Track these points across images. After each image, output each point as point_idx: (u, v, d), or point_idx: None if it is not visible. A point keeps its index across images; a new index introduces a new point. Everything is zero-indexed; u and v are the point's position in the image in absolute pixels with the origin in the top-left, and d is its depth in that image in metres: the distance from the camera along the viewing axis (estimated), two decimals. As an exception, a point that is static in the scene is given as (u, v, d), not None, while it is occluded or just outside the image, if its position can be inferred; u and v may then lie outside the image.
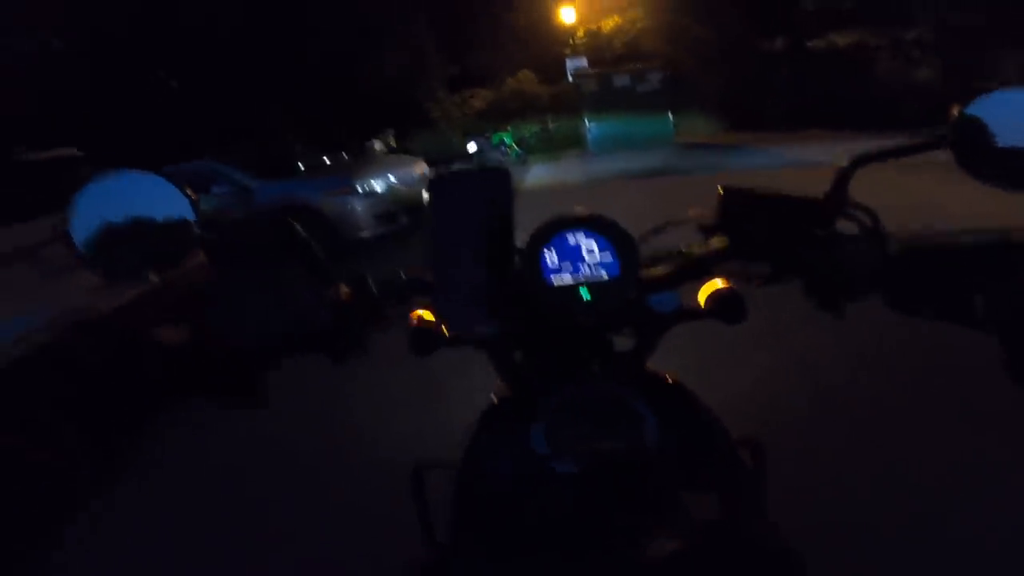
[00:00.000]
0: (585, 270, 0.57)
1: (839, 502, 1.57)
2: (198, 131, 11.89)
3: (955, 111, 0.51)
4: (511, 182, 0.54)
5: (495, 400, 0.66)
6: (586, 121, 11.89)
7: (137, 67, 13.27)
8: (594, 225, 0.57)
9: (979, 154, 0.52)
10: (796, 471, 1.25)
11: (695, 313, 0.61)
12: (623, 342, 0.65)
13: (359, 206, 5.56)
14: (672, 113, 11.79)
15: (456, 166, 12.05)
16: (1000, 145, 0.51)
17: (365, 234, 5.54)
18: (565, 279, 0.57)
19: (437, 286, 0.54)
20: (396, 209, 5.72)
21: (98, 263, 0.55)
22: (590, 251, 0.57)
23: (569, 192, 7.55)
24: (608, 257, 0.57)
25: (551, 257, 0.57)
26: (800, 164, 7.58)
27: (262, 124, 12.63)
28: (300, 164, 6.56)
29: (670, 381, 0.63)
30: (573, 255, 0.57)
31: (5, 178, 3.37)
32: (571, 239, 0.57)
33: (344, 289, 0.59)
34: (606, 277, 0.57)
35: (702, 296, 0.60)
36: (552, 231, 0.58)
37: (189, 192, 0.56)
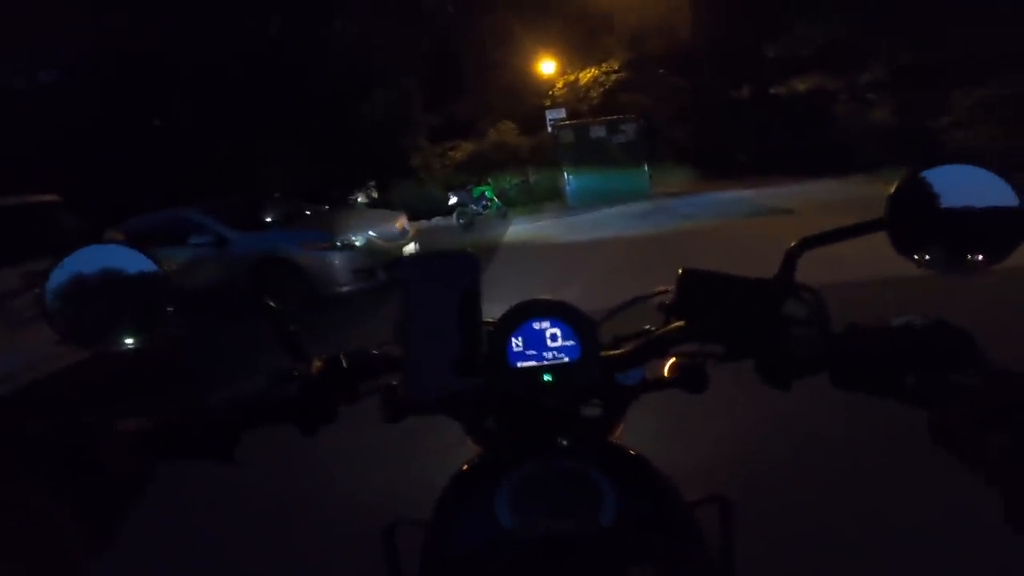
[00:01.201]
0: (548, 354, 0.61)
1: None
2: (178, 177, 11.96)
3: (891, 190, 0.54)
4: (478, 266, 0.58)
5: (464, 467, 0.68)
6: (565, 174, 12.07)
7: (125, 107, 13.43)
8: (557, 312, 0.61)
9: (916, 236, 0.54)
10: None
11: (660, 383, 0.65)
12: (588, 413, 0.68)
13: (337, 260, 5.55)
14: (648, 164, 12.07)
15: (436, 220, 12.17)
16: (937, 225, 0.53)
17: (343, 289, 5.53)
18: (529, 363, 0.61)
19: (407, 362, 0.56)
20: (375, 265, 5.71)
21: (70, 334, 0.56)
22: (553, 336, 0.61)
23: (548, 250, 7.66)
24: (570, 341, 0.61)
25: (516, 343, 0.61)
26: (764, 212, 7.93)
27: (245, 171, 12.77)
28: (279, 215, 6.56)
29: (632, 454, 0.66)
30: (537, 341, 0.61)
31: None
32: (536, 326, 0.61)
33: (316, 363, 0.61)
34: (567, 360, 0.61)
35: (666, 367, 0.65)
36: (518, 319, 0.61)
37: (163, 265, 0.58)
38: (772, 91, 12.91)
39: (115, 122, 13.20)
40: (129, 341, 0.58)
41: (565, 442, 0.64)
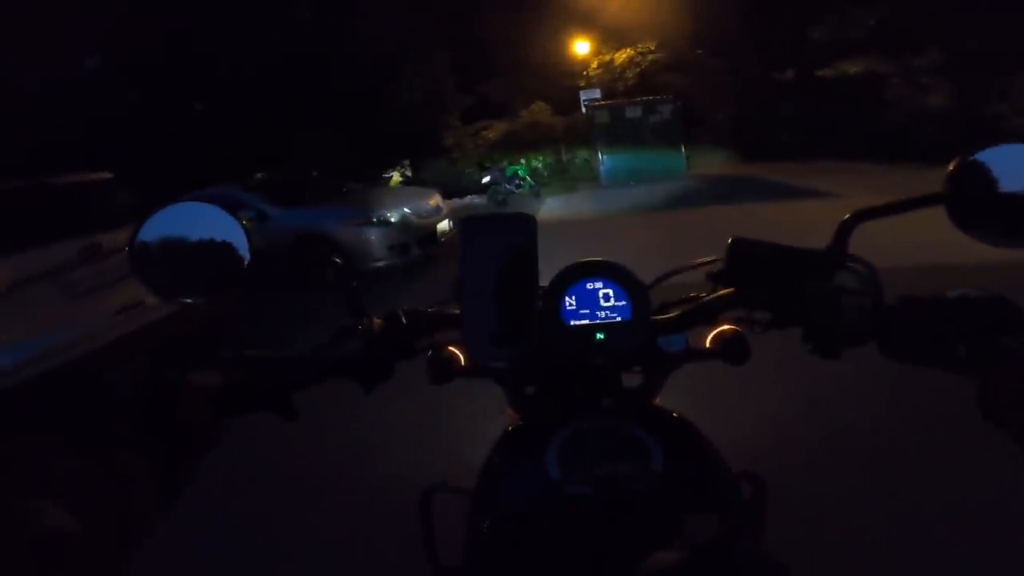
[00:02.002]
0: (601, 314, 0.62)
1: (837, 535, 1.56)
2: (222, 156, 12.29)
3: (952, 166, 0.53)
4: (536, 226, 0.59)
5: (510, 428, 0.70)
6: (599, 154, 11.92)
7: (167, 92, 13.84)
8: (610, 273, 0.63)
9: (974, 212, 0.53)
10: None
11: (701, 353, 0.66)
12: (631, 379, 0.69)
13: (373, 236, 5.63)
14: (684, 145, 11.83)
15: (469, 199, 12.23)
16: (995, 202, 0.52)
17: (378, 264, 5.61)
18: (582, 322, 0.62)
19: (465, 319, 0.57)
20: (409, 240, 5.80)
21: (156, 285, 0.59)
22: (605, 296, 0.62)
23: (582, 226, 7.57)
24: (623, 303, 0.62)
25: (570, 301, 0.63)
26: (808, 196, 7.59)
27: (283, 152, 13.05)
28: (317, 193, 6.67)
29: (675, 416, 0.67)
30: (590, 300, 0.62)
31: (37, 201, 3.47)
32: (589, 286, 0.63)
33: (376, 321, 0.64)
34: (619, 320, 0.62)
35: (708, 338, 0.65)
36: (572, 278, 0.63)
37: (244, 223, 0.60)
38: (819, 73, 12.37)
39: (159, 106, 13.64)
40: (210, 295, 0.61)
41: (608, 403, 0.66)
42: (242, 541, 1.97)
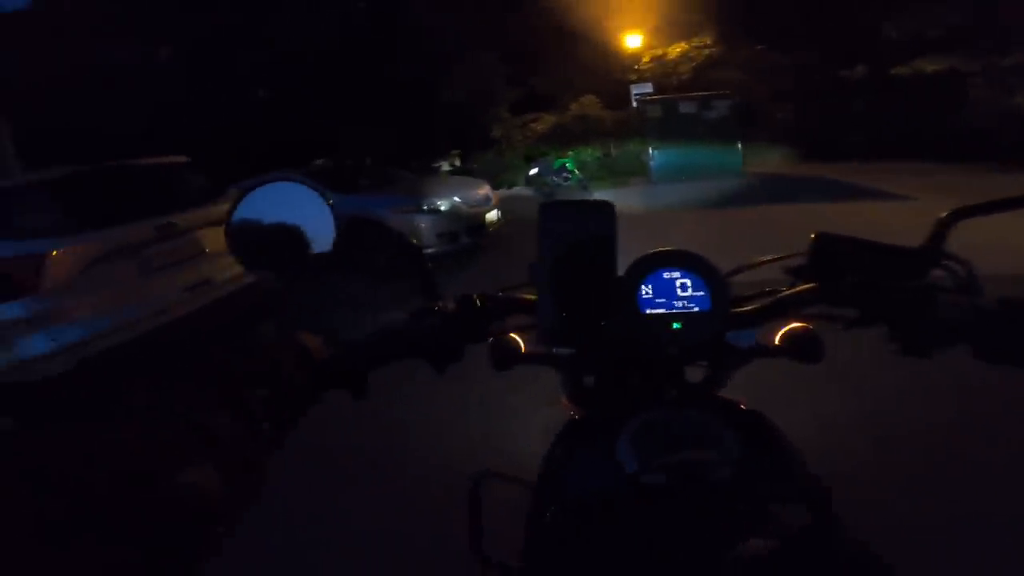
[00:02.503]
0: (678, 303, 0.61)
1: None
2: (282, 143, 12.79)
3: None
4: (615, 214, 0.58)
5: (576, 417, 0.69)
6: (649, 149, 11.65)
7: (232, 81, 14.48)
8: (689, 263, 0.61)
9: None
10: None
11: (771, 350, 0.63)
12: (695, 373, 0.67)
13: (423, 224, 5.77)
14: (741, 142, 11.41)
15: (517, 190, 12.25)
16: None
17: (427, 251, 5.71)
18: (659, 311, 0.61)
19: (541, 306, 0.58)
20: (458, 229, 5.91)
21: (247, 258, 0.63)
22: (683, 286, 0.61)
23: (629, 221, 7.46)
24: (700, 292, 0.61)
25: (647, 290, 0.61)
26: (875, 197, 7.17)
27: (339, 140, 13.44)
28: (370, 180, 6.90)
29: (744, 408, 0.65)
30: (667, 290, 0.61)
31: (119, 182, 3.67)
32: (667, 275, 0.61)
33: (451, 304, 0.65)
34: (697, 310, 0.61)
35: (778, 335, 0.62)
36: (650, 266, 0.62)
37: (329, 201, 0.64)
38: (892, 72, 11.67)
39: (225, 94, 14.29)
40: (297, 268, 0.64)
41: (672, 395, 0.64)
42: (283, 525, 1.98)
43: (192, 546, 0.37)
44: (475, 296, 0.66)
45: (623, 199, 9.68)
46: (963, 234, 0.57)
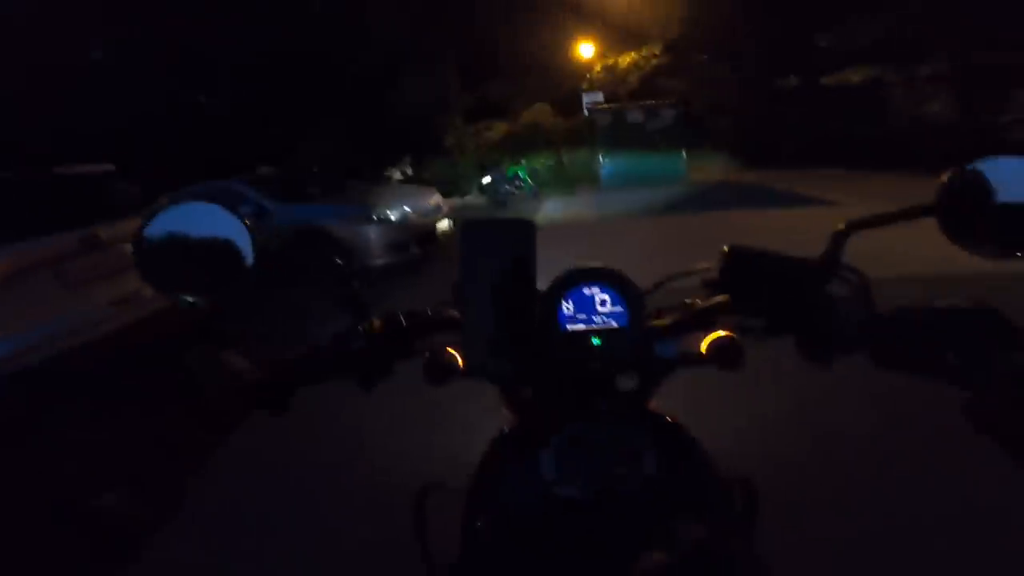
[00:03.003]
0: (597, 319, 0.63)
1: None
2: (224, 150, 12.29)
3: (944, 179, 0.54)
4: (535, 232, 0.60)
5: (506, 430, 0.70)
6: (600, 157, 11.99)
7: (168, 86, 13.82)
8: (608, 279, 0.63)
9: (965, 223, 0.54)
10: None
11: (695, 359, 0.65)
12: (626, 382, 0.69)
13: (373, 234, 5.63)
14: (685, 150, 11.87)
15: (469, 198, 12.20)
16: (986, 214, 0.53)
17: (377, 262, 5.60)
18: (578, 327, 0.63)
19: (465, 322, 0.59)
20: (409, 239, 5.79)
21: (158, 282, 0.61)
22: (603, 302, 0.63)
23: (580, 229, 7.60)
24: (619, 308, 0.63)
25: (567, 306, 0.63)
26: (806, 203, 7.61)
27: (286, 148, 13.05)
28: (318, 189, 6.68)
29: (669, 420, 0.68)
30: (587, 305, 0.63)
31: (39, 191, 3.47)
32: (586, 291, 0.63)
33: (376, 322, 0.66)
34: (616, 326, 0.63)
35: (703, 344, 0.65)
36: (570, 283, 0.63)
37: (247, 223, 0.62)
38: (823, 82, 12.37)
39: (162, 99, 13.60)
40: (212, 293, 0.62)
41: (604, 407, 0.66)
42: (232, 539, 1.94)
43: (112, 565, 0.37)
44: (400, 315, 0.67)
45: (574, 206, 9.92)
46: (859, 243, 0.62)
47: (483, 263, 0.59)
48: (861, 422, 2.24)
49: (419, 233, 5.91)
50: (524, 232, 0.59)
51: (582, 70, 15.61)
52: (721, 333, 0.64)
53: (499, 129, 15.21)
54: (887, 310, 0.55)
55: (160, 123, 13.38)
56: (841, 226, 0.59)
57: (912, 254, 3.42)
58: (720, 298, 0.64)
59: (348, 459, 2.38)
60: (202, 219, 0.61)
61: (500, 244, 0.59)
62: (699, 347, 0.66)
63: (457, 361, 0.67)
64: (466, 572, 0.60)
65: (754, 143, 12.60)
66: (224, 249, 0.61)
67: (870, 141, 10.50)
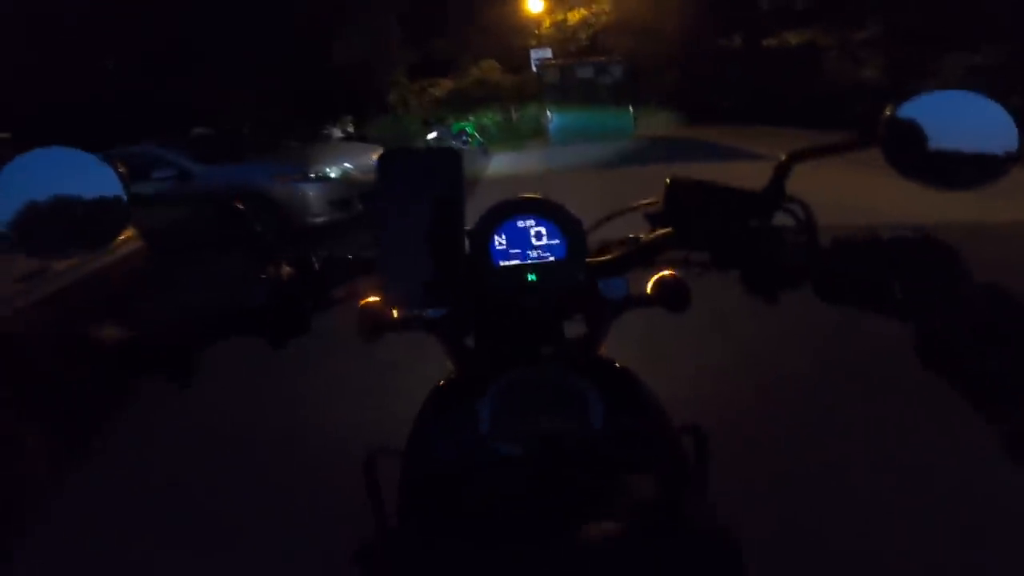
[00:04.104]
0: (532, 253, 0.58)
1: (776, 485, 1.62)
2: (141, 115, 11.27)
3: (888, 110, 0.53)
4: (462, 163, 0.55)
5: (442, 382, 0.65)
6: (548, 112, 11.97)
7: (74, 47, 12.42)
8: (542, 210, 0.59)
9: (908, 153, 0.53)
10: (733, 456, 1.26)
11: (643, 300, 0.63)
12: (574, 330, 0.66)
13: (311, 192, 5.43)
14: (632, 106, 12.00)
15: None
16: (930, 145, 0.53)
17: (317, 220, 5.40)
18: (512, 262, 0.58)
19: (383, 263, 0.53)
20: (351, 196, 5.60)
21: (21, 241, 0.52)
22: (538, 235, 0.58)
23: (529, 181, 7.66)
24: (555, 240, 0.58)
25: (499, 240, 0.58)
26: (745, 157, 7.87)
27: (215, 109, 12.12)
28: (249, 149, 6.33)
29: (618, 366, 0.65)
30: (521, 239, 0.58)
31: None
32: (520, 224, 0.58)
33: (285, 268, 0.58)
34: (552, 259, 0.58)
35: (649, 285, 0.63)
36: (501, 216, 0.59)
37: (121, 169, 0.54)
38: (764, 43, 12.65)
39: (65, 64, 12.16)
40: (85, 248, 0.54)
41: (549, 351, 0.62)
42: (170, 511, 1.80)
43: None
44: (312, 257, 0.59)
45: (523, 161, 9.89)
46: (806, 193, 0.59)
47: (405, 196, 0.53)
48: (807, 361, 2.30)
49: (362, 190, 5.69)
50: (450, 162, 0.54)
51: (530, 26, 15.30)
52: (666, 273, 0.62)
53: (445, 86, 14.86)
54: (829, 241, 0.53)
55: (61, 91, 12.00)
56: (783, 157, 0.57)
57: (859, 205, 3.53)
58: (663, 231, 0.61)
59: (292, 431, 2.22)
60: (64, 168, 0.53)
61: (424, 175, 0.53)
62: (646, 287, 0.63)
63: (391, 312, 0.61)
64: (400, 539, 0.55)
65: (698, 100, 12.88)
66: (93, 199, 0.53)
67: (806, 101, 10.91)
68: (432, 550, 0.49)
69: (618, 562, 0.44)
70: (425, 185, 0.53)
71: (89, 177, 0.53)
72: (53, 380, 0.39)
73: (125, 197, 0.53)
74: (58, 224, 0.53)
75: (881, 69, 10.89)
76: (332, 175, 5.59)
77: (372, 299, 0.62)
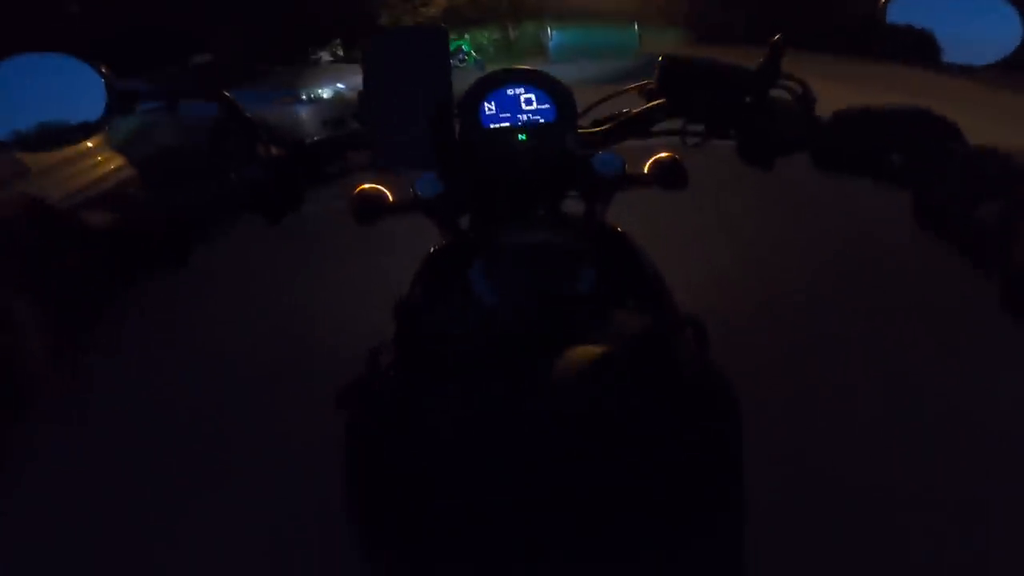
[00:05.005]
0: (522, 116, 0.60)
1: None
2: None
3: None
4: (447, 40, 0.56)
5: (433, 249, 0.65)
6: (548, 29, 11.65)
7: None
8: (531, 78, 0.60)
9: (906, 35, 0.54)
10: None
11: (639, 179, 0.63)
12: (571, 209, 0.66)
13: (304, 113, 5.47)
14: (637, 23, 11.54)
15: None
16: (929, 26, 0.53)
17: (313, 139, 5.34)
18: (503, 124, 0.60)
19: (374, 129, 0.56)
20: (344, 115, 5.51)
21: (9, 137, 0.55)
22: (527, 100, 0.60)
23: None
24: (545, 105, 0.60)
25: (488, 106, 0.60)
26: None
27: (199, 39, 11.54)
28: (238, 77, 6.24)
29: (617, 229, 0.65)
30: (511, 105, 0.60)
31: None
32: (510, 91, 0.60)
33: (274, 148, 0.60)
34: (543, 122, 0.60)
35: (647, 166, 0.64)
36: (490, 84, 0.60)
37: (103, 68, 0.56)
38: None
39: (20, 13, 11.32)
40: (70, 140, 0.57)
41: (543, 217, 0.63)
42: (177, 428, 1.73)
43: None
44: (304, 140, 0.62)
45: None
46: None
47: (393, 73, 0.55)
48: (804, 235, 2.31)
49: (354, 110, 5.54)
50: (436, 38, 0.55)
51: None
52: (664, 154, 0.62)
53: (439, 4, 14.09)
54: (828, 115, 0.54)
55: (24, 39, 11.25)
56: (779, 36, 0.58)
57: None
58: (657, 101, 0.62)
59: (294, 343, 2.17)
60: (48, 68, 0.56)
61: (411, 53, 0.55)
62: (643, 168, 0.63)
63: (386, 195, 0.62)
64: (390, 423, 0.53)
65: (708, 19, 12.19)
66: (76, 96, 0.55)
67: (822, 26, 10.29)
68: (419, 393, 0.49)
69: (607, 409, 0.44)
70: (413, 62, 0.55)
71: (73, 79, 0.55)
72: (46, 268, 0.37)
73: (106, 90, 0.55)
74: (40, 121, 0.55)
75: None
76: (325, 96, 5.64)
77: (368, 185, 0.63)
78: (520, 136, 0.60)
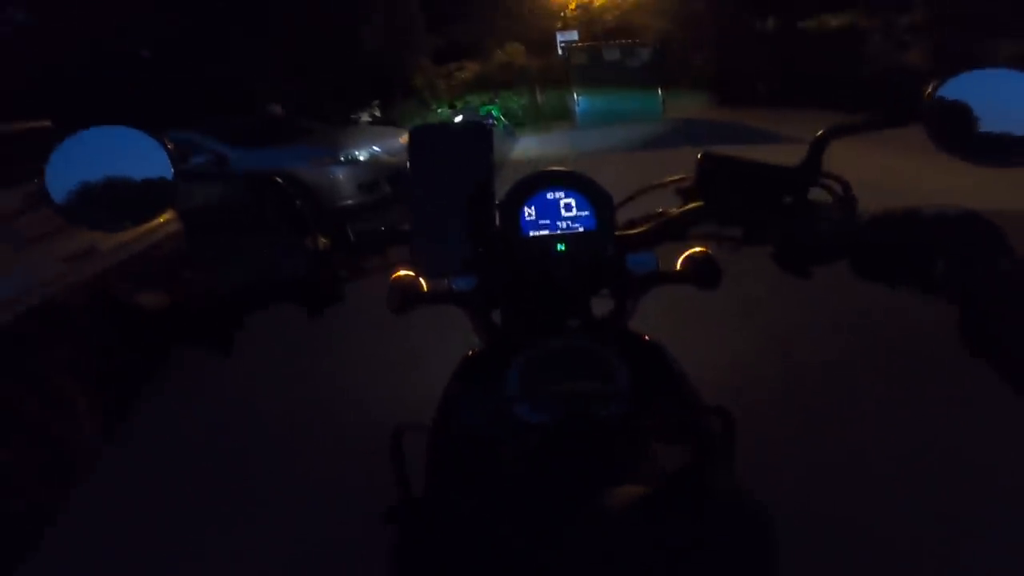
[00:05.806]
0: (562, 224, 0.59)
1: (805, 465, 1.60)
2: (176, 102, 11.47)
3: (931, 86, 0.52)
4: (491, 138, 0.56)
5: (470, 353, 0.66)
6: (575, 94, 11.87)
7: (109, 39, 12.66)
8: (571, 183, 0.59)
9: (952, 130, 0.52)
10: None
11: (672, 276, 0.63)
12: (602, 305, 0.65)
13: (341, 175, 5.53)
14: (661, 89, 11.77)
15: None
16: (974, 122, 0.51)
17: (347, 203, 5.50)
18: (542, 233, 0.59)
19: (415, 232, 0.54)
20: (379, 178, 5.68)
21: (76, 215, 0.55)
22: (567, 207, 0.59)
23: (556, 163, 7.66)
24: (584, 212, 0.59)
25: (529, 212, 0.59)
26: (776, 140, 7.67)
27: (246, 96, 12.28)
28: (281, 134, 6.43)
29: (646, 339, 0.64)
30: (550, 211, 0.59)
31: None
32: (549, 196, 0.59)
33: (321, 239, 0.60)
34: (581, 230, 0.59)
35: (679, 261, 0.62)
36: (531, 188, 0.59)
37: (169, 146, 0.56)
38: (800, 25, 12.19)
39: (100, 57, 12.42)
40: (134, 221, 0.57)
41: (576, 324, 0.62)
42: (206, 483, 1.84)
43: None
44: (348, 228, 0.62)
45: (549, 143, 9.82)
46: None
47: (435, 169, 0.54)
48: (841, 345, 2.23)
49: (389, 172, 5.75)
50: (480, 137, 0.55)
51: (556, 10, 15.02)
52: (697, 249, 0.61)
53: (470, 70, 14.71)
54: (868, 218, 0.52)
55: (101, 82, 12.27)
56: (821, 132, 0.56)
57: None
58: (694, 204, 0.61)
59: (320, 405, 2.26)
60: (114, 144, 0.55)
61: (454, 149, 0.55)
62: (675, 264, 0.62)
63: (420, 284, 0.62)
64: (426, 508, 0.55)
65: (730, 82, 12.50)
66: (142, 173, 0.55)
67: (845, 85, 10.49)
68: (458, 512, 0.50)
69: (643, 527, 0.43)
70: (456, 159, 0.55)
71: (139, 153, 0.55)
72: (100, 347, 0.41)
73: (172, 172, 0.55)
74: (109, 199, 0.55)
75: (926, 54, 10.42)
76: (361, 158, 5.68)
77: (403, 272, 0.63)
78: (559, 245, 0.59)
